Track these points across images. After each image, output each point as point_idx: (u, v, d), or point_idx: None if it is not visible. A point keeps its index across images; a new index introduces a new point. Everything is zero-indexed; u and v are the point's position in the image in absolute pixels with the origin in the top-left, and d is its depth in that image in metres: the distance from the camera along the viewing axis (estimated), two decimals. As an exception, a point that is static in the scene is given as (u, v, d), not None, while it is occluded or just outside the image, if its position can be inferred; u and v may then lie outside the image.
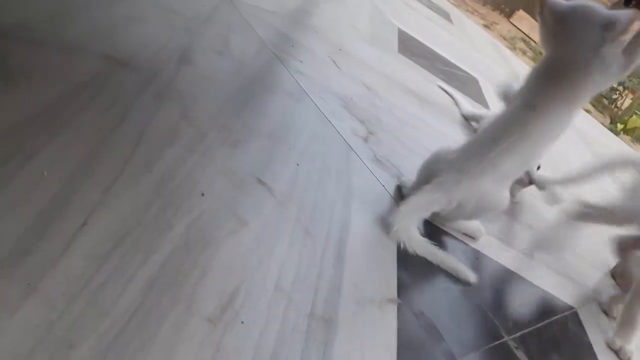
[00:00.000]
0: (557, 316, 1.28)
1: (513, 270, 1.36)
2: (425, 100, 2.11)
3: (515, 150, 1.19)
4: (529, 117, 1.18)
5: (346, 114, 1.59)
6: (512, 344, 1.09)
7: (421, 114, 1.95)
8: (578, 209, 1.52)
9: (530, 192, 1.92)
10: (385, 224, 1.17)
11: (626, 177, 1.53)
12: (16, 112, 0.88)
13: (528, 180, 1.72)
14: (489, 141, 1.21)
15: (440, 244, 1.27)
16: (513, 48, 5.61)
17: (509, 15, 7.20)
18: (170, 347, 0.68)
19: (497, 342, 1.08)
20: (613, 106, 6.44)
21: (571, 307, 1.36)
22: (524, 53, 5.79)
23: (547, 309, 1.32)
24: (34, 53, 1.04)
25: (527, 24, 6.97)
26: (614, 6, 1.57)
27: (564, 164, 2.51)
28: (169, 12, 1.52)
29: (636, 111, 5.80)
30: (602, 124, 4.98)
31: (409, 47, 2.72)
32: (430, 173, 1.23)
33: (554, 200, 1.75)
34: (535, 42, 6.48)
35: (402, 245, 1.13)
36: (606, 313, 1.44)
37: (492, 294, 1.22)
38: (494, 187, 1.23)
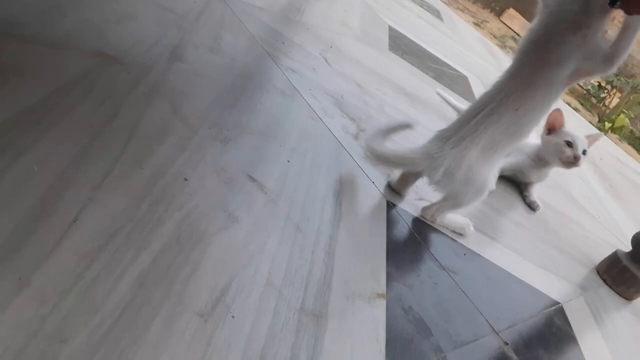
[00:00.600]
0: (543, 311, 1.30)
1: (500, 266, 1.38)
2: (415, 98, 2.12)
3: (497, 117, 1.22)
4: (511, 85, 1.21)
5: (337, 111, 1.60)
6: (499, 339, 1.11)
7: (412, 112, 1.97)
8: None
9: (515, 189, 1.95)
10: (376, 220, 1.19)
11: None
12: (6, 108, 0.88)
13: (572, 155, 1.77)
14: (474, 108, 1.26)
15: (429, 240, 1.29)
16: (503, 46, 5.64)
17: (499, 14, 7.25)
18: (162, 342, 0.68)
19: (485, 337, 1.09)
20: (601, 105, 6.51)
21: (557, 302, 1.38)
22: (514, 51, 5.83)
23: (533, 304, 1.34)
24: (25, 49, 1.04)
25: (518, 23, 7.02)
26: None
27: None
28: (161, 9, 1.52)
29: (624, 110, 5.88)
30: (590, 122, 5.03)
31: (400, 44, 2.73)
32: None
33: None
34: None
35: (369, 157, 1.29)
36: None
37: (480, 290, 1.24)
38: (481, 159, 1.25)
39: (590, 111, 5.95)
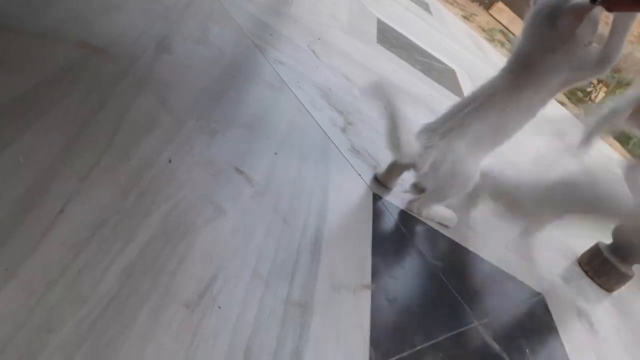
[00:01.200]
0: (525, 302, 1.33)
1: (483, 257, 1.40)
2: (403, 92, 2.13)
3: (483, 113, 1.24)
4: (501, 84, 1.25)
5: (325, 104, 1.61)
6: (481, 329, 1.13)
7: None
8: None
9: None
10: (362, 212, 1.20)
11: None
12: (-8, 99, 0.87)
13: None
14: (463, 102, 1.29)
15: (414, 232, 1.31)
16: (491, 40, 5.67)
17: (488, 7, 7.27)
18: (149, 332, 0.69)
19: (467, 327, 1.11)
20: (587, 99, 6.58)
21: (539, 293, 1.41)
22: (502, 45, 5.86)
23: (515, 295, 1.36)
24: (10, 40, 1.03)
25: (506, 16, 7.05)
26: None
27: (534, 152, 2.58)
28: (148, 0, 1.51)
29: (609, 104, 5.91)
30: (576, 116, 5.08)
31: (388, 37, 2.74)
32: None
33: None
34: (513, 34, 6.55)
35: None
36: None
37: (464, 281, 1.26)
38: (467, 154, 1.27)
39: (576, 105, 6.00)
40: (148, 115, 1.07)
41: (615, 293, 1.71)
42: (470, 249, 1.40)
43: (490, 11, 7.21)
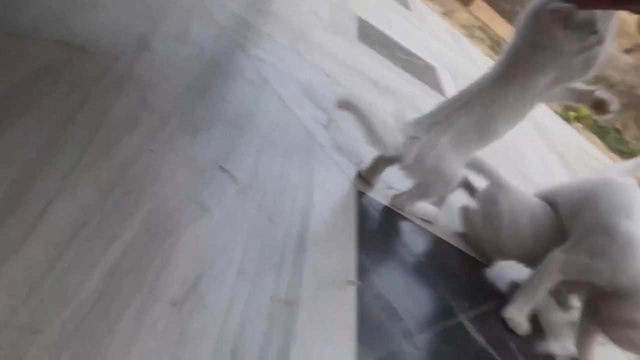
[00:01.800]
0: (509, 294, 1.34)
1: (468, 253, 1.42)
2: (384, 89, 2.14)
3: (470, 109, 1.26)
4: (490, 82, 1.26)
5: (307, 102, 1.61)
6: (466, 323, 1.15)
7: (381, 102, 1.99)
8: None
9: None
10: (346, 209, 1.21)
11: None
12: (-31, 98, 0.86)
13: None
14: (452, 98, 1.32)
15: (398, 229, 1.32)
16: (471, 37, 5.72)
17: (467, 4, 7.33)
18: (135, 332, 0.69)
19: (454, 322, 1.13)
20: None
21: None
22: (482, 41, 5.92)
23: (498, 287, 1.39)
24: (-14, 38, 1.01)
25: (486, 13, 7.12)
26: None
27: (515, 149, 2.62)
28: (127, -3, 1.50)
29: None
30: (555, 111, 5.15)
31: (369, 35, 2.75)
32: None
33: None
34: (493, 31, 6.62)
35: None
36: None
37: (449, 277, 1.28)
38: (451, 150, 1.28)
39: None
40: (129, 113, 1.06)
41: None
42: (454, 244, 1.42)
43: (469, 8, 7.27)
